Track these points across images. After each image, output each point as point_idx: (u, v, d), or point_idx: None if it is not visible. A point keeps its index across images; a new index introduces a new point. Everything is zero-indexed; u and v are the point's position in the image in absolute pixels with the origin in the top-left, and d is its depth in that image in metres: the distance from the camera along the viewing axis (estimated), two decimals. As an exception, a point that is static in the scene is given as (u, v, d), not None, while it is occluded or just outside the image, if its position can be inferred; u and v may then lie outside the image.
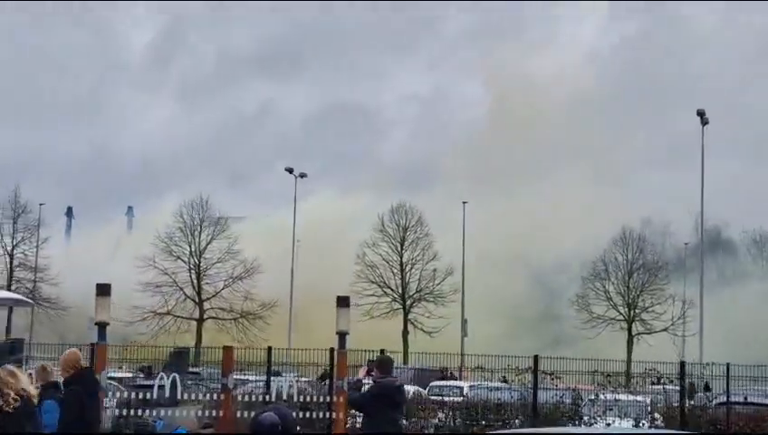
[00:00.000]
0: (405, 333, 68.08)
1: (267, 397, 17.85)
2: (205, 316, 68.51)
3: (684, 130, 66.19)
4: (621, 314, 67.96)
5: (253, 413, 16.81)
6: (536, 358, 22.95)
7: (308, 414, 19.34)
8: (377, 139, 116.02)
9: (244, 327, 67.00)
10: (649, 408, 24.00)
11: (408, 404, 25.61)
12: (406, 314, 69.27)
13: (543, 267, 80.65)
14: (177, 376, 16.14)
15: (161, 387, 16.18)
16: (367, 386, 15.33)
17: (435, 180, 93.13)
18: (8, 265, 68.67)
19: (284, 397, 16.87)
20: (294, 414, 18.29)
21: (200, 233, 69.74)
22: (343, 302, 17.44)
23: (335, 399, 16.98)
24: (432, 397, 31.65)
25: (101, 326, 14.78)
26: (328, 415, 19.29)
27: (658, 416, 25.16)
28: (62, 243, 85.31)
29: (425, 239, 71.03)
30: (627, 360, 49.29)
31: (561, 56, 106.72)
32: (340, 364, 17.36)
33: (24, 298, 31.43)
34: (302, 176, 67.53)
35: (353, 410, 17.14)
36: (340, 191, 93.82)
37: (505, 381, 25.61)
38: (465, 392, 31.58)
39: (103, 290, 15.01)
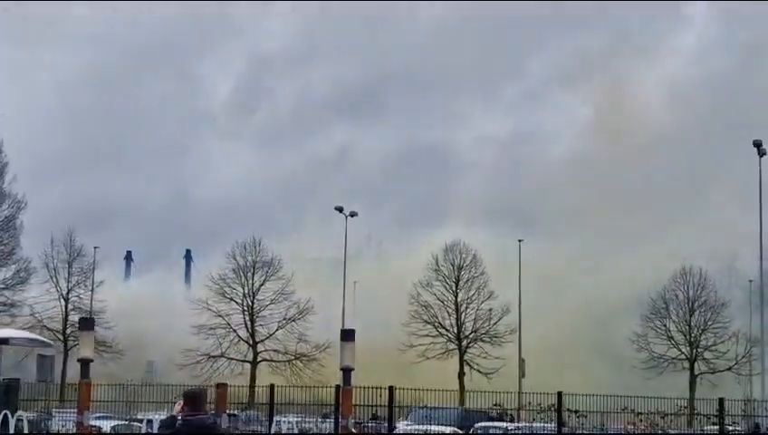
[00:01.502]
0: (461, 374, 66.76)
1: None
2: (258, 358, 67.88)
3: (747, 162, 64.61)
4: (683, 353, 66.13)
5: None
6: (560, 395, 21.83)
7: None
8: (442, 179, 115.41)
9: (299, 369, 66.21)
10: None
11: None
12: (462, 355, 67.99)
13: (604, 306, 79.00)
14: (153, 419, 15.38)
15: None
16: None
17: (493, 219, 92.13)
18: (63, 309, 68.66)
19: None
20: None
21: (253, 274, 69.32)
22: (348, 335, 16.62)
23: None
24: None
25: (84, 363, 14.09)
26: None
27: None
28: (119, 287, 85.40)
29: (480, 278, 69.79)
30: (690, 399, 47.56)
31: (626, 102, 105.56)
32: (346, 402, 16.52)
33: (46, 340, 31.07)
34: (353, 215, 67.16)
35: None
36: (400, 230, 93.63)
37: (563, 424, 24.40)
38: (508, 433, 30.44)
39: (86, 325, 14.34)
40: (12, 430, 14.67)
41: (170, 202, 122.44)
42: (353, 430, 15.87)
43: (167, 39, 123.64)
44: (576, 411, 22.10)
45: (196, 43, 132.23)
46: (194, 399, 12.85)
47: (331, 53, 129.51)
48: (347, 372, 16.19)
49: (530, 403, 23.15)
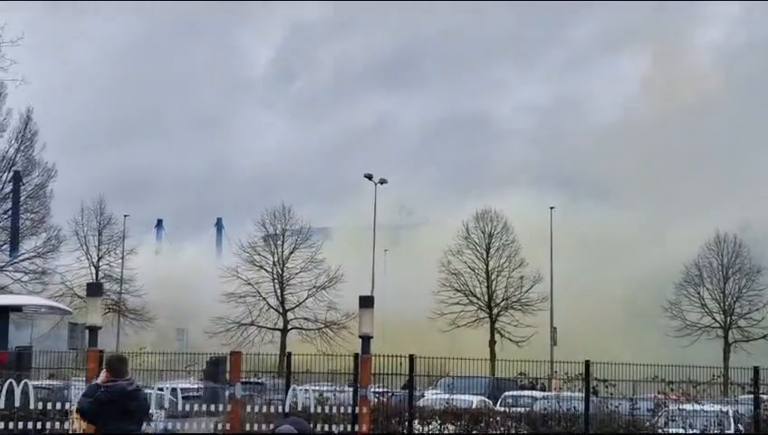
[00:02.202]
0: (492, 342, 66.23)
1: (281, 408, 16.39)
2: (288, 326, 67.68)
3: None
4: (717, 321, 65.28)
5: (272, 426, 15.53)
6: (587, 363, 21.21)
7: (330, 427, 17.78)
8: (480, 147, 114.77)
9: (329, 337, 65.89)
10: (720, 419, 22.00)
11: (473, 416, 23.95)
12: (492, 324, 67.41)
13: (642, 274, 78.10)
14: (177, 388, 14.95)
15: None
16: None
17: (524, 186, 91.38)
18: (94, 277, 68.60)
19: (300, 408, 15.55)
20: (317, 427, 16.95)
21: (283, 242, 68.99)
22: (367, 302, 16.06)
23: (358, 410, 15.62)
24: (500, 408, 29.84)
25: (92, 330, 13.65)
26: (350, 428, 17.80)
27: (741, 427, 23.27)
28: (150, 255, 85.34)
29: (511, 246, 69.06)
30: (724, 368, 46.77)
31: (673, 67, 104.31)
32: (364, 371, 15.99)
33: (62, 305, 30.73)
34: (382, 182, 66.65)
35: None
36: (432, 199, 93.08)
37: (596, 393, 23.78)
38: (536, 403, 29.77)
39: (94, 290, 13.88)
40: (17, 399, 14.34)
41: (205, 171, 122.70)
42: (372, 399, 15.28)
43: (206, 8, 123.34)
44: (604, 380, 21.50)
45: (235, 12, 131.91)
46: (114, 366, 12.39)
47: (370, 22, 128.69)
48: (365, 339, 15.63)
49: (556, 372, 22.56)
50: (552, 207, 70.03)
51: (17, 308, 19.34)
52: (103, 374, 12.34)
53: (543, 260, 68.31)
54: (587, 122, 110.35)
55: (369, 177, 66.42)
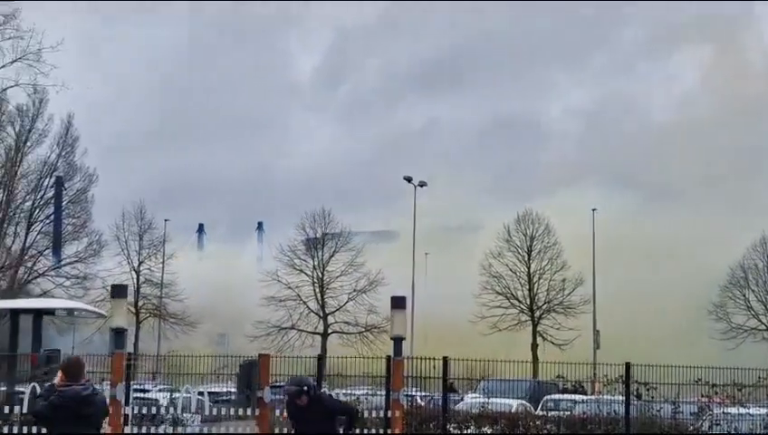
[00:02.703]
0: (534, 345, 65.60)
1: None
2: (329, 330, 67.38)
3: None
4: (763, 323, 64.27)
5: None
6: (628, 366, 20.68)
7: (362, 430, 17.34)
8: (526, 150, 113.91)
9: (369, 341, 65.48)
10: (767, 422, 21.38)
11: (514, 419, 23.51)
12: (534, 327, 66.78)
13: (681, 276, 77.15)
14: (205, 391, 14.63)
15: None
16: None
17: (569, 188, 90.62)
18: (135, 281, 68.76)
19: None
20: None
21: (323, 246, 68.71)
22: (399, 303, 15.58)
23: (390, 413, 15.20)
24: (540, 412, 29.36)
25: (118, 332, 13.31)
26: (382, 431, 17.36)
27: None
28: (191, 259, 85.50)
29: (553, 249, 68.39)
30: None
31: (722, 67, 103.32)
32: (397, 373, 15.54)
33: (96, 309, 30.55)
34: (422, 185, 66.23)
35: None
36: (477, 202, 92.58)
37: (638, 397, 23.23)
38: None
39: (118, 292, 13.56)
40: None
41: (248, 176, 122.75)
42: (403, 403, 14.85)
43: (251, 12, 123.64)
44: (645, 384, 20.96)
45: (281, 17, 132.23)
46: (70, 369, 11.86)
47: (415, 26, 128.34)
48: (398, 341, 15.15)
49: (595, 374, 22.07)
50: (594, 210, 69.38)
51: (50, 311, 19.10)
52: (60, 376, 11.84)
53: (587, 263, 67.69)
54: (633, 124, 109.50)
55: (409, 179, 66.11)
